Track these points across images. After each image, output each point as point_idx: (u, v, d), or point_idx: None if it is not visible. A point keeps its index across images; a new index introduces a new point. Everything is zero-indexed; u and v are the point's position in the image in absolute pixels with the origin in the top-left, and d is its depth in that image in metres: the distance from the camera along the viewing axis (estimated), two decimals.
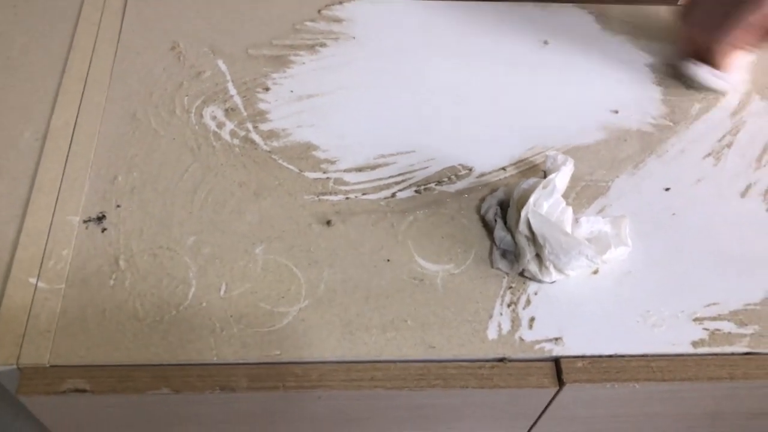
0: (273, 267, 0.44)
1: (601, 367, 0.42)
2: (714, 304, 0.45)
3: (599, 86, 0.55)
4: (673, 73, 0.56)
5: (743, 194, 0.50)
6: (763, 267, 0.46)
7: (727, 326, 0.44)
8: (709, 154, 0.52)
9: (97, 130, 0.49)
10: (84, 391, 0.40)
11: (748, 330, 0.44)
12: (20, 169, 0.48)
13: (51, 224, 0.45)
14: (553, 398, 0.43)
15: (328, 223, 0.46)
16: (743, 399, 0.45)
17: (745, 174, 0.51)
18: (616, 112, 0.53)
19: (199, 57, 0.54)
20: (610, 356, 0.42)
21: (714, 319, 0.44)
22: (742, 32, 0.50)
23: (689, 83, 0.54)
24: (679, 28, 0.53)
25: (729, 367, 0.42)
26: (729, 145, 0.52)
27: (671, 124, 0.53)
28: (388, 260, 0.45)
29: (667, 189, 0.50)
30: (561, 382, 0.41)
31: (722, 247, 0.47)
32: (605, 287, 0.45)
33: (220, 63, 0.54)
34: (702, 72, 0.53)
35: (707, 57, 0.53)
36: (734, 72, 0.53)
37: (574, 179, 0.49)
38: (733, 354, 0.43)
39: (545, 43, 0.57)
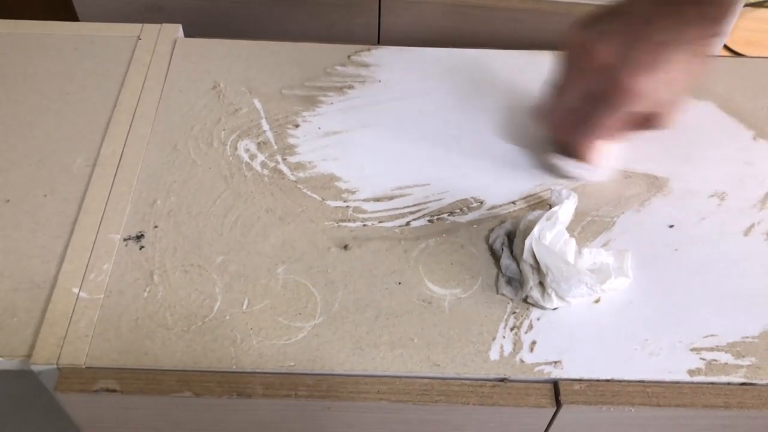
0: (292, 286, 0.48)
1: (598, 390, 0.44)
2: (712, 335, 0.46)
3: None
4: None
5: (746, 233, 0.51)
6: (763, 302, 0.48)
7: (724, 357, 0.45)
8: (714, 194, 0.54)
9: (141, 159, 0.54)
10: (114, 391, 0.43)
11: (745, 362, 0.45)
12: (71, 191, 0.53)
13: (95, 241, 0.50)
14: (552, 420, 0.45)
15: (346, 247, 0.50)
16: (738, 429, 0.46)
17: (749, 214, 0.52)
18: (627, 153, 0.56)
19: (237, 96, 0.59)
20: (607, 380, 0.44)
21: (711, 349, 0.46)
22: (602, 130, 0.50)
23: (557, 173, 0.54)
24: (538, 125, 0.53)
25: (725, 396, 0.44)
26: (734, 186, 0.54)
27: (679, 165, 0.55)
28: (399, 283, 0.48)
29: (671, 226, 0.52)
30: (558, 403, 0.43)
31: (723, 282, 0.49)
32: (606, 315, 0.47)
33: (256, 101, 0.59)
34: (565, 166, 0.53)
35: (571, 150, 0.53)
36: (600, 161, 0.53)
37: (581, 214, 0.51)
38: (729, 384, 0.44)
39: None
